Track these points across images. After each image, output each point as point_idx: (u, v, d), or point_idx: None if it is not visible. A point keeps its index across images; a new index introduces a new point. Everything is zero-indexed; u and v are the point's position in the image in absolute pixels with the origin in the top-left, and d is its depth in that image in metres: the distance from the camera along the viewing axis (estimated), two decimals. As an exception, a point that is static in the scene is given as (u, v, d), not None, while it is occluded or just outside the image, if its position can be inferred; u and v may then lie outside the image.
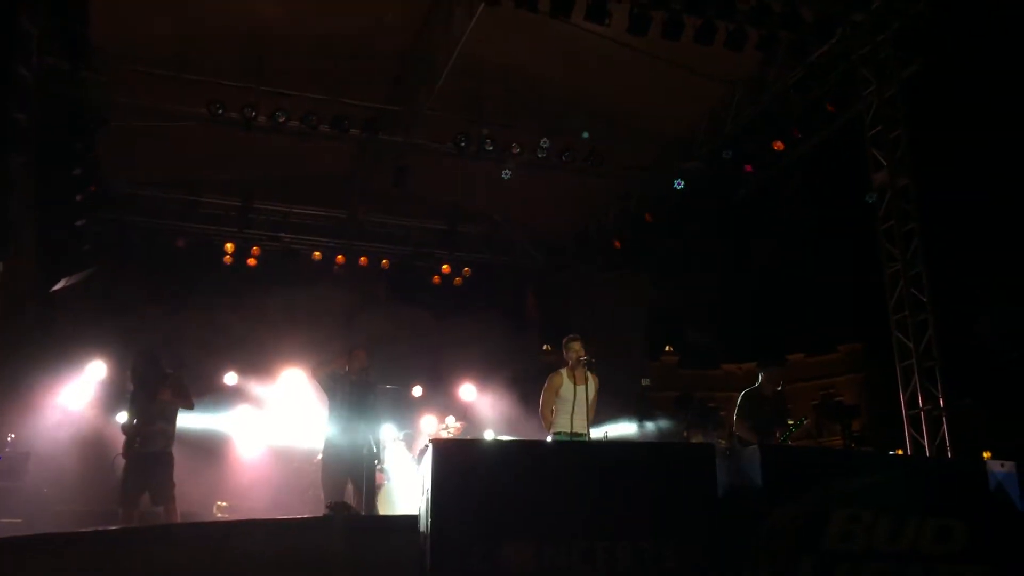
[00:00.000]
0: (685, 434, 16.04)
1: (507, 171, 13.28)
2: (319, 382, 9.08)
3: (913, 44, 10.91)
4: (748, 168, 13.28)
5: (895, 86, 10.96)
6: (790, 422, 8.91)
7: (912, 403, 10.43)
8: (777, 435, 8.82)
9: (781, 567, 6.57)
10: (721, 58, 11.09)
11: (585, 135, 13.28)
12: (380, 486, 10.37)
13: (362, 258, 15.63)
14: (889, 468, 7.73)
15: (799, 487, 6.88)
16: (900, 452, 11.75)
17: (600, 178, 14.16)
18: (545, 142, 13.11)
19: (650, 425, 16.60)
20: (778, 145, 12.56)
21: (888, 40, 10.94)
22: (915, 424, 10.41)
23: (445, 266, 16.30)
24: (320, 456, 12.27)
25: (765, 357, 9.45)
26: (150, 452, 8.37)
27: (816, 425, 8.81)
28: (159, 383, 8.50)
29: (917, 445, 10.33)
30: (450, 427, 12.96)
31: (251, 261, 14.93)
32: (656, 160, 14.33)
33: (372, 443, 8.83)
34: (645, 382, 18.42)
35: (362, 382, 8.88)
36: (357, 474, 8.63)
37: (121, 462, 8.56)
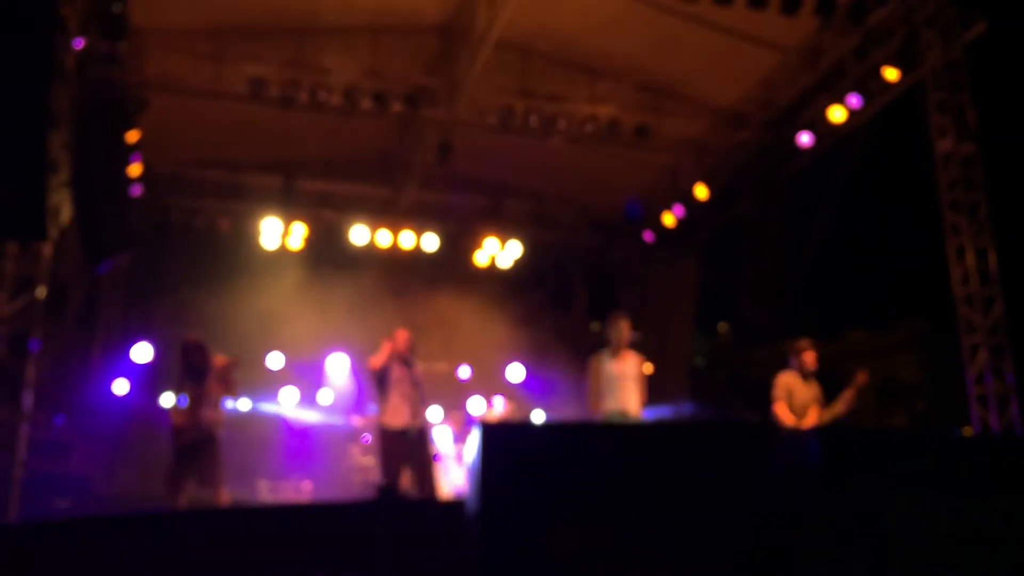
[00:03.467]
0: (740, 414, 15.74)
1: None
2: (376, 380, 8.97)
3: (978, 4, 10.39)
4: (804, 138, 12.79)
5: (959, 49, 10.47)
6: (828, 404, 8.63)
7: (979, 381, 10.01)
8: (815, 416, 8.52)
9: (837, 550, 6.29)
10: (775, 24, 10.67)
11: None
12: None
13: (406, 236, 15.41)
14: (952, 448, 7.39)
15: (857, 469, 6.58)
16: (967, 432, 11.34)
17: (649, 151, 13.79)
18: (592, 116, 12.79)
19: (702, 404, 16.30)
20: (836, 114, 12.07)
21: (951, 0, 10.44)
22: (982, 403, 9.99)
23: (491, 243, 16.01)
24: (365, 437, 12.24)
25: (795, 339, 9.10)
26: (197, 437, 8.29)
27: (856, 402, 8.45)
28: (209, 372, 8.41)
29: (984, 425, 9.92)
30: (498, 408, 12.82)
31: (294, 240, 14.81)
32: (708, 132, 13.92)
33: (425, 423, 8.70)
34: (698, 361, 18.10)
35: (408, 362, 8.74)
36: (413, 456, 8.50)
37: (169, 446, 8.50)
